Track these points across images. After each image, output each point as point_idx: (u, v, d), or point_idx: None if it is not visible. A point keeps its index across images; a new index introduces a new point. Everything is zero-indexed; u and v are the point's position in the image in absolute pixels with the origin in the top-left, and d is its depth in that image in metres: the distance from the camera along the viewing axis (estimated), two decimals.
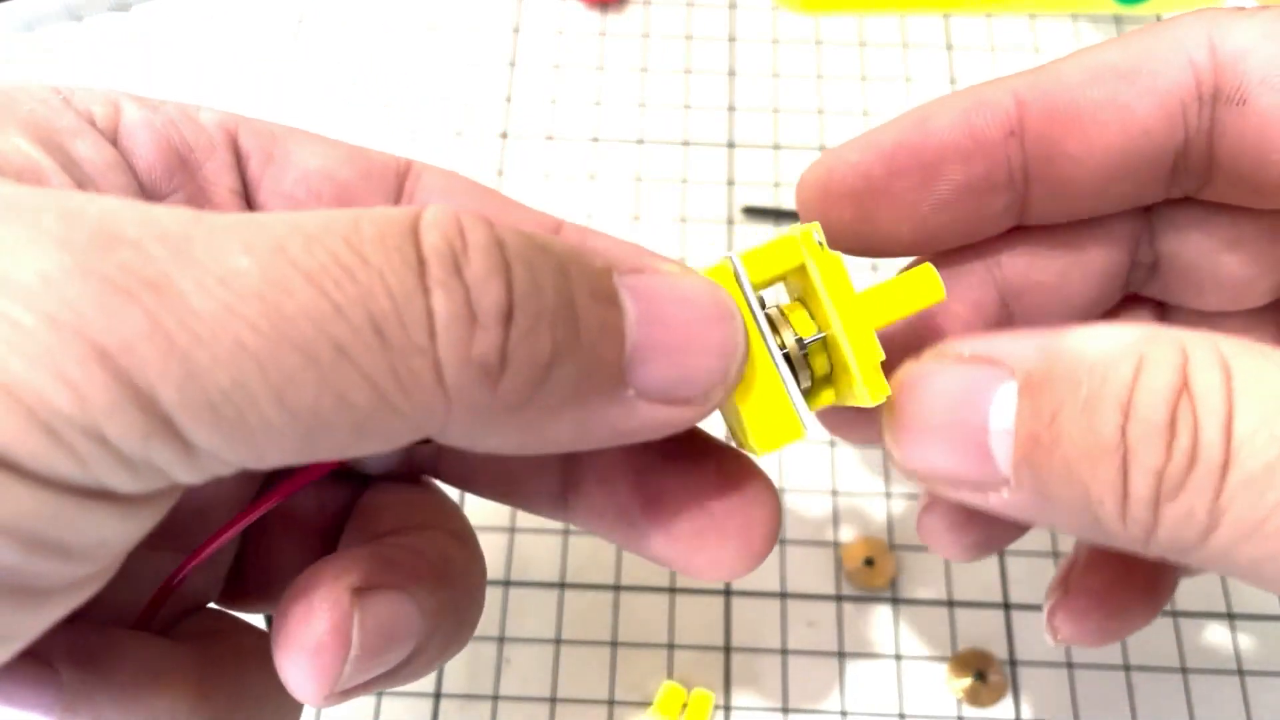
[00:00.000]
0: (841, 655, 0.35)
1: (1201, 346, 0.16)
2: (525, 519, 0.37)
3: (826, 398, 0.20)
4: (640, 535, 0.21)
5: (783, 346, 0.19)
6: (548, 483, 0.23)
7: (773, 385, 0.19)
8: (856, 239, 0.23)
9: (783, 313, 0.20)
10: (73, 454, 0.12)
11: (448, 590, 0.20)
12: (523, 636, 0.35)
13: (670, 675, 0.35)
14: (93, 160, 0.18)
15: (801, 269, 0.19)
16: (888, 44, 0.47)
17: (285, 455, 0.14)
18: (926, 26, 0.48)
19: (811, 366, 0.20)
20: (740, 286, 0.19)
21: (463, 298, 0.15)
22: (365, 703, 0.34)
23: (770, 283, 0.20)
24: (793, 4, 0.48)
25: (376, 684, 0.19)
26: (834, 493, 0.37)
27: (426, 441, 0.17)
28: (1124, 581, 0.25)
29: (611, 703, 0.34)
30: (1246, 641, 0.35)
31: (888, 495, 0.37)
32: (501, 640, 0.35)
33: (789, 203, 0.43)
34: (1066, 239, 0.23)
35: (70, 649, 0.17)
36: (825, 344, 0.20)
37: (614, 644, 0.35)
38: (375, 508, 0.22)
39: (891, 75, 0.47)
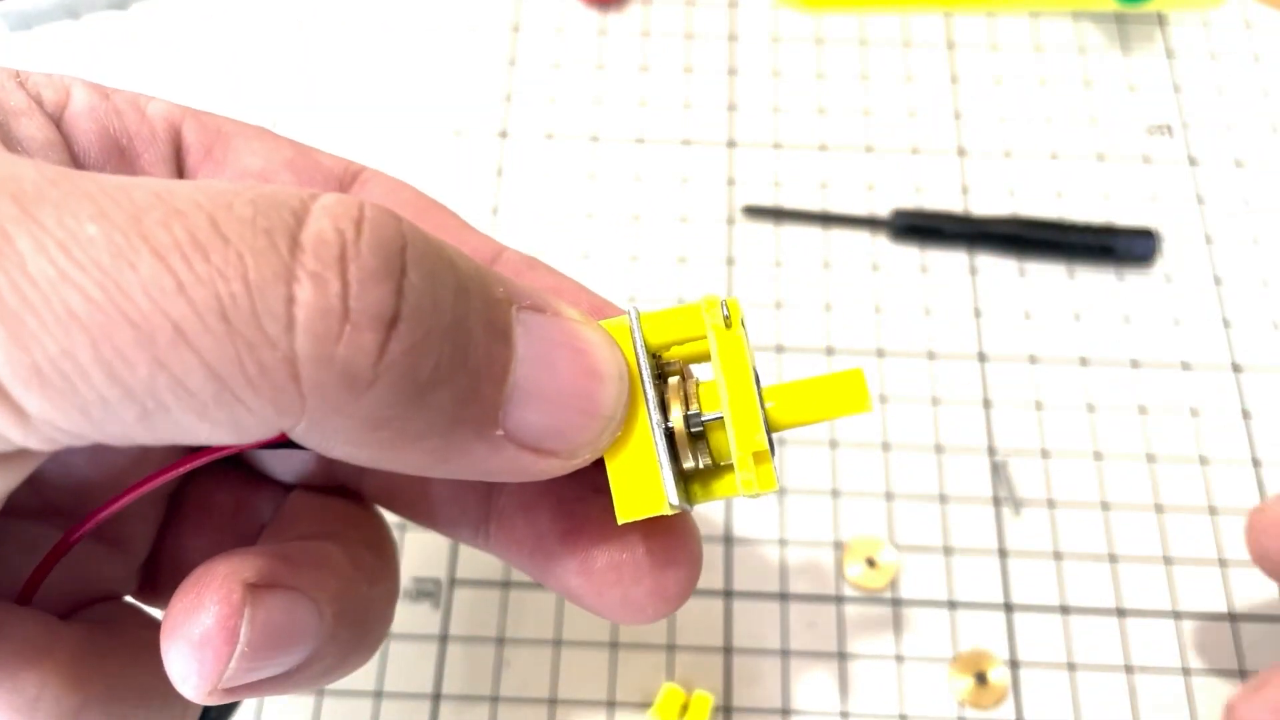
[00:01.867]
0: (842, 656, 0.35)
1: None
2: None
3: (730, 484, 0.19)
4: (555, 565, 0.21)
5: (666, 420, 0.18)
6: (470, 510, 0.22)
7: (647, 454, 0.18)
8: None
9: (696, 385, 0.19)
10: None
11: (352, 598, 0.20)
12: (522, 638, 0.35)
13: (670, 677, 0.35)
14: (33, 138, 0.18)
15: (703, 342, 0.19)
16: (888, 43, 0.47)
17: (128, 433, 0.14)
18: (927, 25, 0.48)
19: (711, 448, 0.19)
20: (634, 344, 0.18)
21: (337, 292, 0.14)
22: (363, 704, 0.34)
23: (669, 348, 0.19)
24: (793, 2, 0.48)
25: (268, 686, 0.18)
26: (834, 493, 0.37)
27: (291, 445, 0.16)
28: None
29: (611, 704, 0.34)
30: (1248, 642, 0.35)
31: (888, 495, 0.37)
32: (501, 641, 0.35)
33: (789, 202, 0.43)
34: None
35: None
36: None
37: (614, 645, 0.35)
38: (292, 514, 0.22)
39: (892, 74, 0.46)
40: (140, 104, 0.20)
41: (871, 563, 0.36)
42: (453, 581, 0.36)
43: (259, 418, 0.14)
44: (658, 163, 0.44)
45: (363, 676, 0.35)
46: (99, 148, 0.19)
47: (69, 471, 0.19)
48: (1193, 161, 0.44)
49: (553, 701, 0.34)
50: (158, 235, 0.13)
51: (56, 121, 0.19)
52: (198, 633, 0.17)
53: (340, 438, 0.15)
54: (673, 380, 0.19)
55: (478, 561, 0.36)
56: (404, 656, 0.35)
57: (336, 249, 0.14)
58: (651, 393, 0.18)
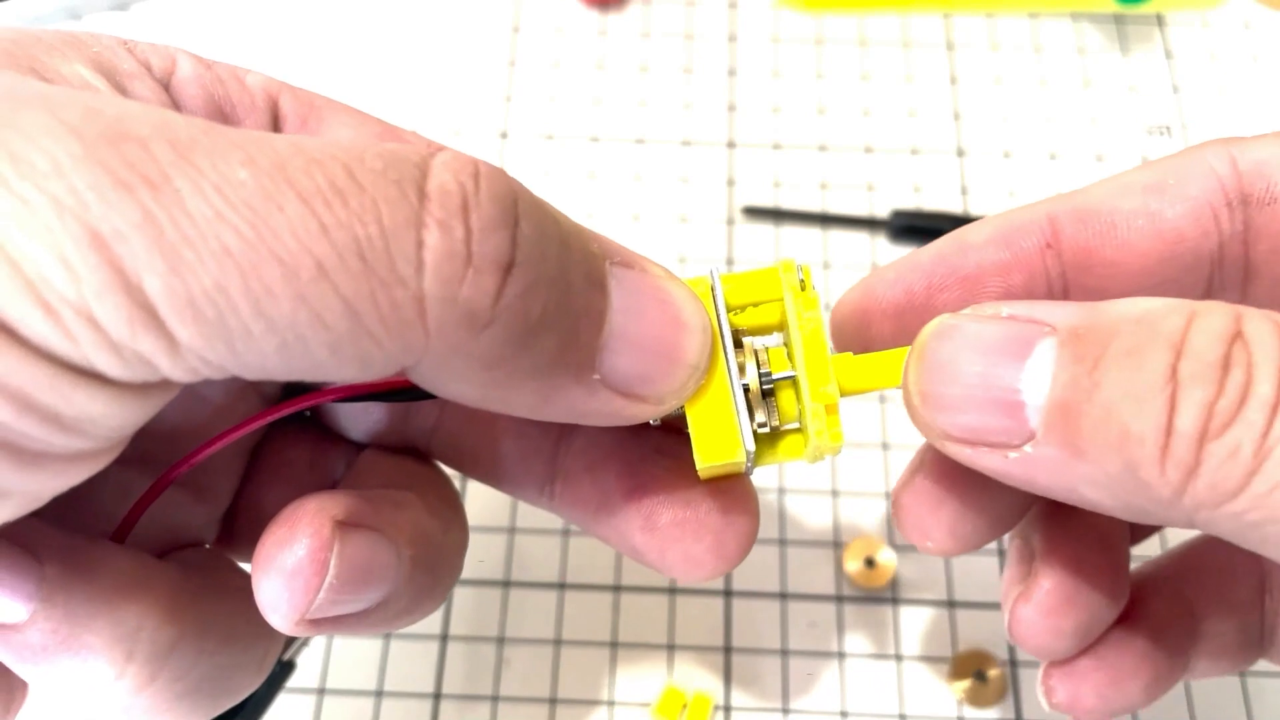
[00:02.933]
0: (842, 656, 0.35)
1: (1251, 309, 0.16)
2: (525, 519, 0.37)
3: (792, 447, 0.20)
4: (619, 522, 0.22)
5: (743, 375, 0.19)
6: (536, 469, 0.24)
7: (724, 405, 0.19)
8: None
9: (765, 349, 0.20)
10: (64, 330, 0.13)
11: (427, 545, 0.21)
12: (522, 637, 0.35)
13: (670, 676, 0.35)
14: (146, 99, 0.19)
15: (780, 306, 0.20)
16: (888, 43, 0.47)
17: (265, 364, 0.15)
18: (927, 25, 0.48)
19: (780, 408, 0.20)
20: (714, 302, 0.20)
21: (462, 238, 0.15)
22: (364, 702, 0.34)
23: (745, 309, 0.20)
24: (793, 2, 0.48)
25: (347, 624, 0.19)
26: (834, 493, 0.37)
27: (416, 394, 0.17)
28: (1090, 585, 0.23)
29: (611, 704, 0.34)
30: None
31: (888, 495, 0.37)
32: (501, 641, 0.35)
33: (789, 202, 0.43)
34: None
35: (58, 547, 0.18)
36: (796, 390, 0.20)
37: (614, 645, 0.35)
38: (366, 470, 0.23)
39: (892, 74, 0.46)
40: (240, 75, 0.21)
41: (871, 563, 0.36)
42: None
43: (385, 353, 0.15)
44: (658, 163, 0.44)
45: (363, 676, 0.35)
46: (205, 113, 0.20)
47: (160, 419, 0.21)
48: None
49: (553, 701, 0.34)
50: (302, 181, 0.14)
51: (164, 86, 0.20)
52: (290, 563, 0.18)
53: (455, 375, 0.16)
54: (746, 341, 0.20)
55: (478, 561, 0.36)
56: (404, 656, 0.35)
57: (459, 199, 0.15)
58: (730, 346, 0.19)
